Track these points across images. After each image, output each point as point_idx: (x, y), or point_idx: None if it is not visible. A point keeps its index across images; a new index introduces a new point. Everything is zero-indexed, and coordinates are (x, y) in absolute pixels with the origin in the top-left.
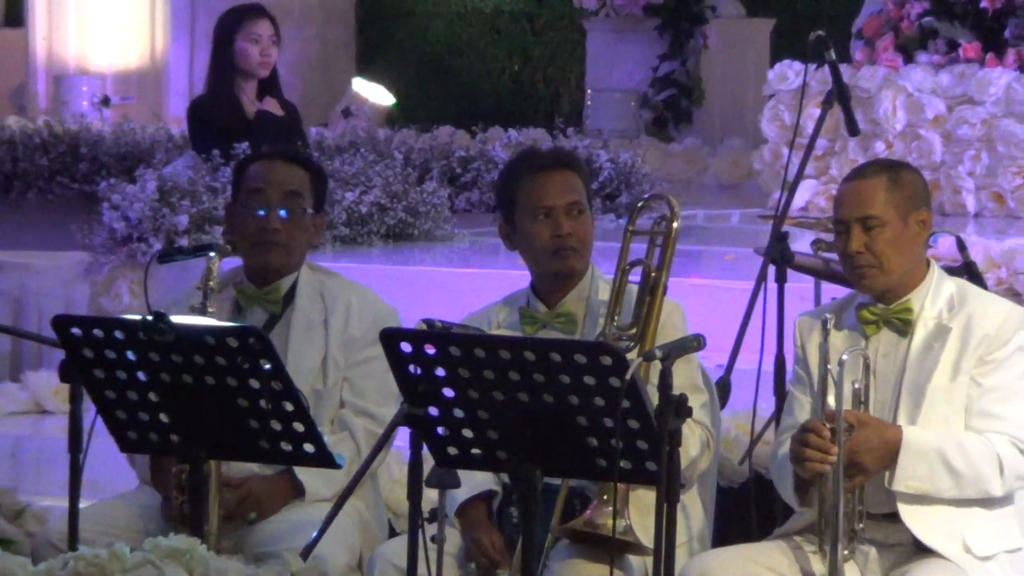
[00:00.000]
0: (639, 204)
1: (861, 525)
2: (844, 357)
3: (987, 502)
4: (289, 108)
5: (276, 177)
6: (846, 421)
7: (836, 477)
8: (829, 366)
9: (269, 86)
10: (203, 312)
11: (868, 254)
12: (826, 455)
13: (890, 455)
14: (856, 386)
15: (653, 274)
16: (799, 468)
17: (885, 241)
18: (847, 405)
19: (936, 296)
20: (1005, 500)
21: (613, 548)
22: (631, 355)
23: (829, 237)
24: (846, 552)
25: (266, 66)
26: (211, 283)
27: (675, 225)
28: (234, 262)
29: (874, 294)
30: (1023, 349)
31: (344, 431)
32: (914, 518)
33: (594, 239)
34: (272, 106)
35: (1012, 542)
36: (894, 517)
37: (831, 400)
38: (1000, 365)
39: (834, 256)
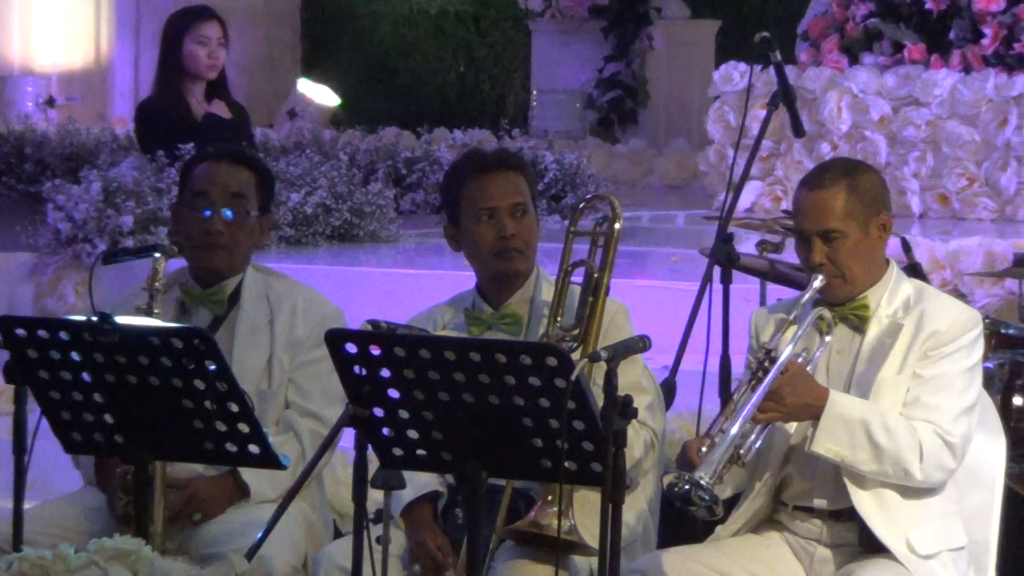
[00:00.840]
0: (581, 205)
1: (746, 458)
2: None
3: (930, 504)
4: (237, 110)
5: (221, 179)
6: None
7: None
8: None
9: (217, 88)
10: (149, 313)
11: (831, 265)
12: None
13: (813, 410)
14: (800, 359)
15: (595, 275)
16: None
17: (847, 252)
18: None
19: (893, 296)
20: (947, 501)
21: (558, 549)
22: (575, 356)
23: (775, 238)
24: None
25: (214, 68)
26: (157, 284)
27: (617, 226)
28: (180, 263)
29: (838, 302)
30: (968, 348)
31: (289, 432)
32: (869, 507)
33: (539, 240)
34: (220, 108)
35: (955, 541)
36: (839, 516)
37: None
38: (942, 358)
39: (780, 257)
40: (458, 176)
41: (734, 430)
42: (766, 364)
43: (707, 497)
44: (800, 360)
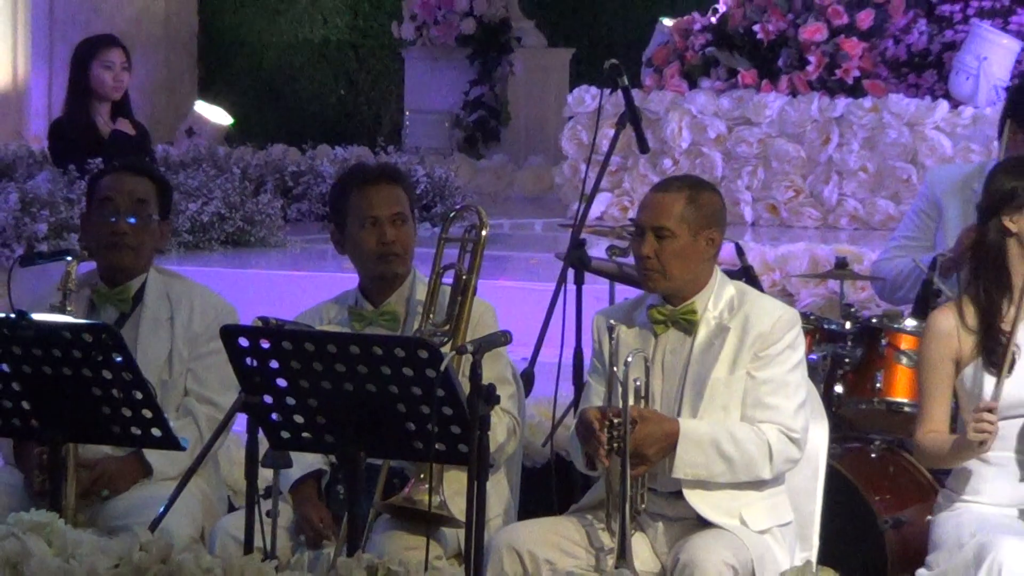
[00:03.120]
0: (451, 215)
1: (644, 505)
2: (629, 359)
3: (760, 484)
4: (139, 128)
5: (125, 187)
6: (631, 416)
7: (621, 465)
8: (615, 368)
9: (121, 108)
10: (62, 311)
11: (655, 260)
12: (599, 444)
13: (670, 445)
14: (638, 384)
15: (464, 277)
16: (584, 446)
17: (673, 252)
18: (631, 401)
19: (718, 299)
20: (775, 482)
21: (429, 521)
22: (445, 349)
23: (622, 244)
24: (632, 527)
25: (119, 90)
26: (70, 285)
27: (484, 233)
28: (89, 266)
29: (657, 294)
30: (793, 347)
31: (188, 417)
32: (697, 498)
33: (416, 245)
34: (124, 126)
35: (783, 517)
36: (679, 495)
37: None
38: (772, 360)
39: (627, 260)
40: (345, 186)
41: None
42: (619, 430)
43: None
44: (638, 384)
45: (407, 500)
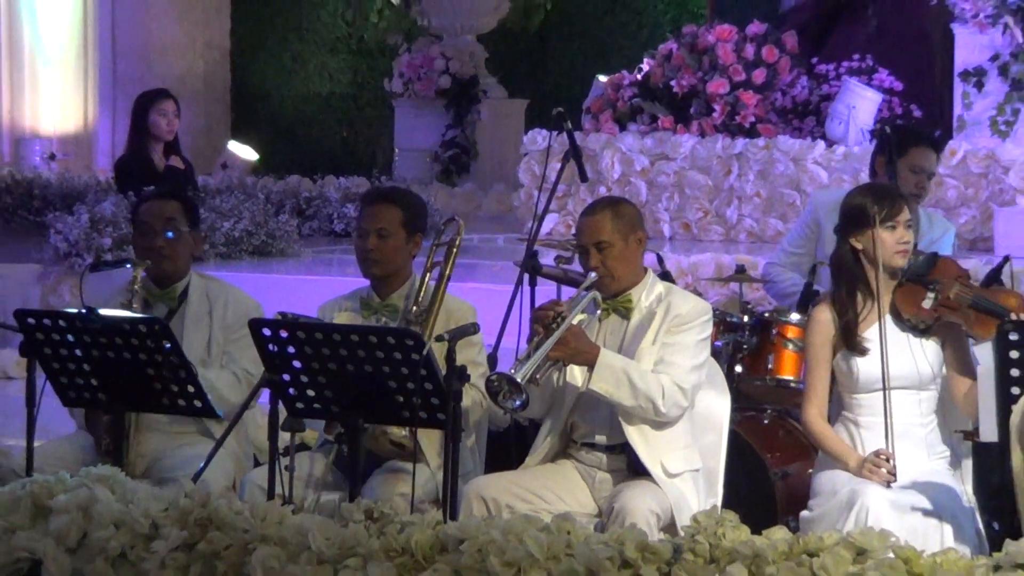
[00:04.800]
0: (442, 225)
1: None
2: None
3: (674, 438)
4: (186, 163)
5: (156, 210)
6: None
7: (550, 335)
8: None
9: (172, 147)
10: (129, 307)
11: (603, 268)
12: (545, 313)
13: (589, 358)
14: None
15: (445, 271)
16: (533, 319)
17: (614, 257)
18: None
19: (649, 293)
20: (687, 436)
21: (394, 447)
22: (427, 335)
23: (567, 254)
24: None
25: (171, 133)
26: (135, 287)
27: (458, 241)
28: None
29: (608, 295)
30: (700, 327)
31: (227, 369)
32: (636, 441)
33: (411, 255)
34: (175, 161)
35: (694, 464)
36: (613, 449)
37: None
38: (680, 332)
39: (570, 267)
40: (359, 203)
41: (536, 354)
42: (559, 320)
43: (515, 393)
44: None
45: (382, 432)
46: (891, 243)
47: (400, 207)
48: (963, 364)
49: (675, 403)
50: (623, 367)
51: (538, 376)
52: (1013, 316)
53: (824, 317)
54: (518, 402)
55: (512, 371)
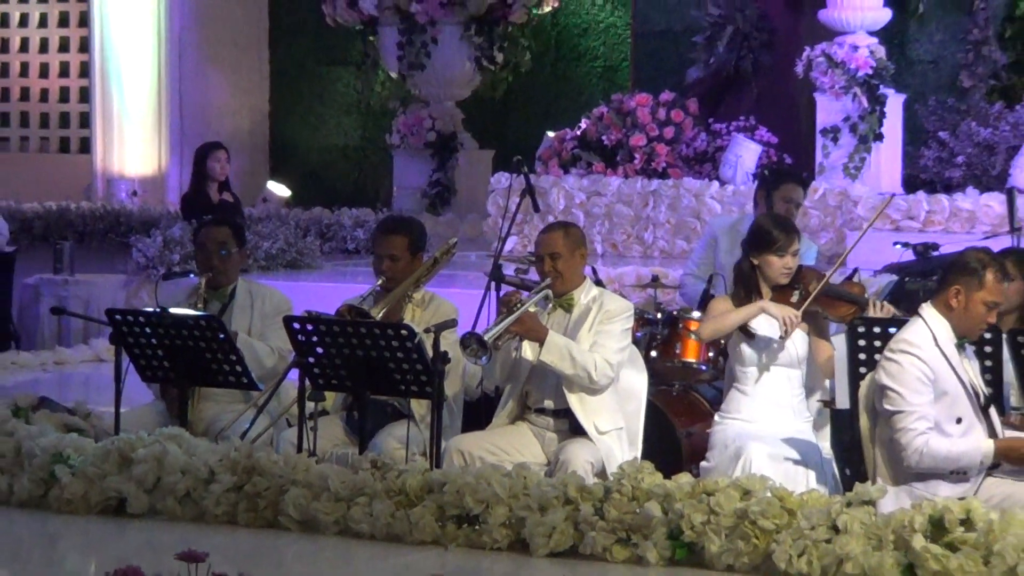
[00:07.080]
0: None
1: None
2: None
3: (606, 402)
4: (235, 198)
5: (211, 235)
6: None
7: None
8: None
9: (225, 185)
10: (194, 307)
11: (555, 271)
12: (512, 296)
13: (539, 335)
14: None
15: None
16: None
17: (563, 265)
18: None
19: (587, 294)
20: (614, 403)
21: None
22: (419, 329)
23: (524, 266)
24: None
25: (224, 175)
26: (201, 291)
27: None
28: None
29: (558, 294)
30: (625, 320)
31: (268, 344)
32: (576, 406)
33: (415, 268)
34: (227, 197)
35: (618, 424)
36: (559, 413)
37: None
38: (610, 323)
39: (528, 276)
40: (375, 231)
41: (500, 324)
42: (519, 304)
43: (481, 350)
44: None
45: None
46: (779, 266)
47: (406, 235)
48: (822, 337)
49: (605, 374)
50: (566, 344)
51: (499, 343)
52: (869, 301)
53: (724, 306)
54: (484, 359)
55: (483, 333)
